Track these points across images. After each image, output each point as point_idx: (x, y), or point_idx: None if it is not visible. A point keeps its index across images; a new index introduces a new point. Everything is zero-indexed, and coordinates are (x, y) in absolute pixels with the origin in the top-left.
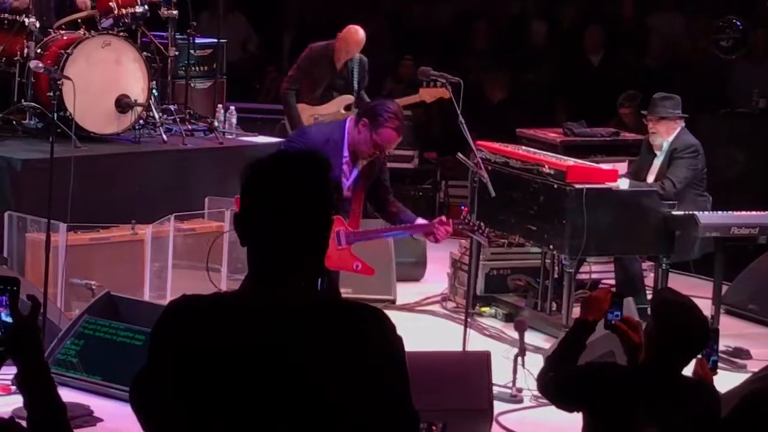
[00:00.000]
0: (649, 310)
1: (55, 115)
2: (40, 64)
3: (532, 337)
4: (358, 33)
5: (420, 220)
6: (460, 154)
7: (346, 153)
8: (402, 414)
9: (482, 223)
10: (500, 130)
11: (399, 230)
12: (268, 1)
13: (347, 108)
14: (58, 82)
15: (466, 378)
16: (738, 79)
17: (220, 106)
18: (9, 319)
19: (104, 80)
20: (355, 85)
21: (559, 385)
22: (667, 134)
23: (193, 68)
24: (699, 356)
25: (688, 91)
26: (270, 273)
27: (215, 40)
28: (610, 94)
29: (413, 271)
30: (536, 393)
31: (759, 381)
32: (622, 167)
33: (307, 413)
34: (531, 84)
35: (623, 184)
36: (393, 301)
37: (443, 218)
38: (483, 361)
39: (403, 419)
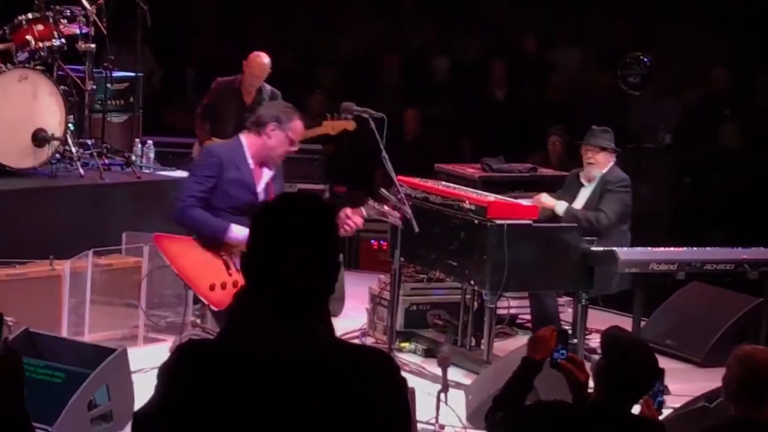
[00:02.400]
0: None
1: None
2: None
3: (452, 373)
4: (259, 56)
5: None
6: (383, 190)
7: (250, 161)
8: None
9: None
10: (410, 164)
11: None
12: (172, 36)
13: None
14: None
15: None
16: (642, 114)
17: (137, 140)
18: None
19: (20, 114)
20: None
21: (508, 424)
22: (603, 166)
23: (109, 102)
24: (645, 396)
25: (590, 125)
26: (281, 316)
27: (132, 74)
28: (517, 130)
29: (330, 306)
30: (459, 430)
31: (684, 418)
32: None
33: None
34: (435, 120)
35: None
36: None
37: (347, 210)
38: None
39: None
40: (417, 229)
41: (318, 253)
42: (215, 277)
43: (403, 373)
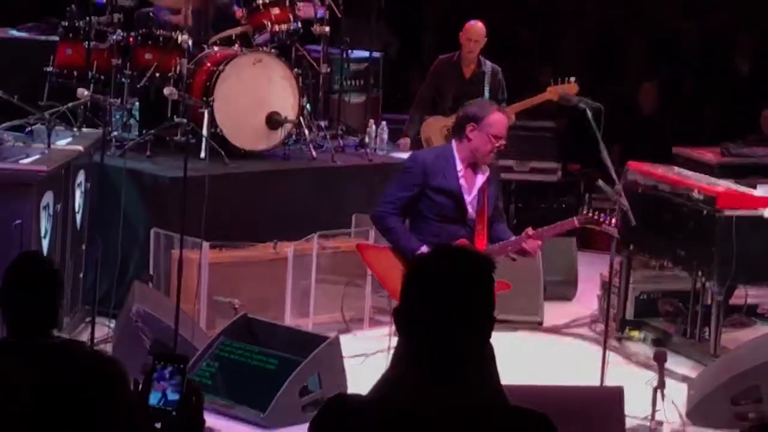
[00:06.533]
0: None
1: (206, 131)
2: (175, 91)
3: (679, 365)
4: (474, 24)
5: (512, 238)
6: (600, 182)
7: (459, 167)
8: None
9: (601, 213)
10: (648, 141)
11: (508, 247)
12: (408, 6)
13: None
14: (202, 104)
15: (598, 415)
16: None
17: (371, 121)
18: (176, 396)
19: (255, 97)
20: (486, 94)
21: None
22: None
23: (347, 83)
24: None
25: None
26: (434, 375)
27: (370, 54)
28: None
29: (564, 290)
30: (676, 427)
31: None
32: None
33: None
34: (678, 95)
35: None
36: (540, 323)
37: (529, 231)
38: (615, 396)
39: None
40: (633, 223)
41: (472, 310)
42: None
43: (629, 365)
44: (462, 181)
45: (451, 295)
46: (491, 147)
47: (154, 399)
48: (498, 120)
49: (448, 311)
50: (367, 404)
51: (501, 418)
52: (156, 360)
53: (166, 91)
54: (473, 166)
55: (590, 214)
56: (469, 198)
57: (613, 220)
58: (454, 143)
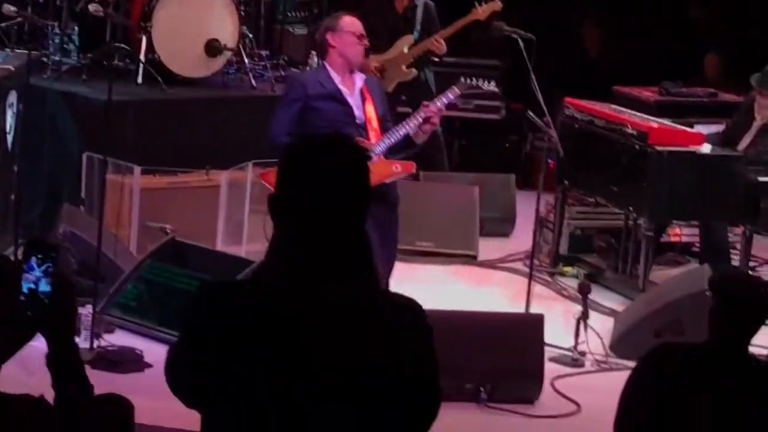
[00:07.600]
0: None
1: (143, 56)
2: (100, 8)
3: (609, 300)
4: None
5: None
6: (530, 112)
7: (334, 74)
8: (425, 401)
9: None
10: (597, 85)
11: (403, 130)
12: None
13: (410, 47)
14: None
15: (518, 340)
16: None
17: (313, 53)
18: (48, 288)
19: (194, 24)
20: (418, 26)
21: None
22: None
23: (291, 14)
24: None
25: None
26: (307, 261)
27: None
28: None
29: (501, 226)
30: (599, 357)
31: None
32: (718, 129)
33: (334, 404)
34: (627, 36)
35: (705, 148)
36: (474, 257)
37: (425, 102)
38: (535, 324)
39: (425, 407)
40: (561, 154)
41: (344, 196)
42: None
43: (561, 299)
44: (340, 86)
45: (322, 180)
46: (357, 45)
47: (25, 288)
48: (351, 19)
49: (319, 196)
50: (242, 290)
51: (370, 303)
52: (28, 250)
53: (92, 7)
54: (349, 74)
55: (470, 82)
56: (352, 99)
57: (492, 82)
58: (324, 62)
